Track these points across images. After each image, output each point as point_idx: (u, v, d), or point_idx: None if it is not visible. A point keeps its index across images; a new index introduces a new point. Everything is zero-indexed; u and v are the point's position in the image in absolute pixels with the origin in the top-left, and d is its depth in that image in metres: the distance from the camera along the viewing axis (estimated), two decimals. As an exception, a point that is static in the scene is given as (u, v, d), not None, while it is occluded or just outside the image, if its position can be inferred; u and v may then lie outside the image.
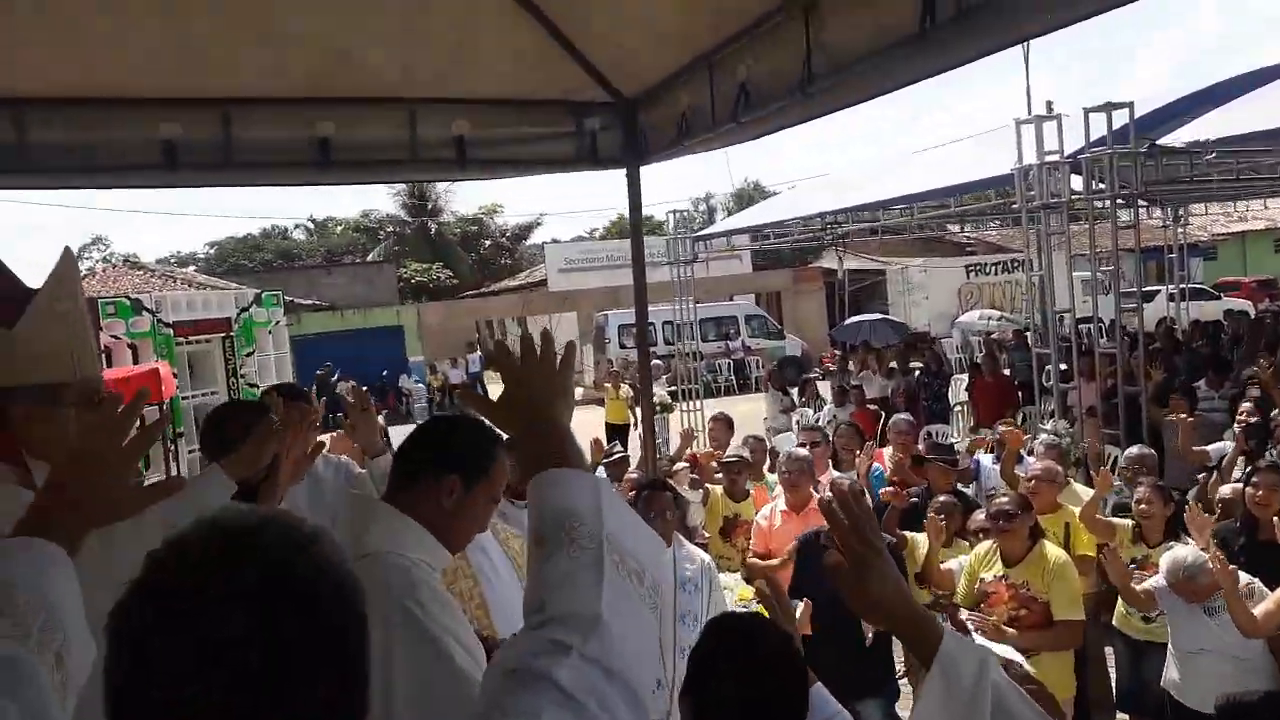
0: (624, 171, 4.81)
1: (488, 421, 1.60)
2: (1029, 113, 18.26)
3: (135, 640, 0.89)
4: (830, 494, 1.39)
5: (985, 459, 7.01)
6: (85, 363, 2.16)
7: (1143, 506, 5.02)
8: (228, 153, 4.15)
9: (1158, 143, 8.82)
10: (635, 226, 5.08)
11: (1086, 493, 6.34)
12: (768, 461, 7.68)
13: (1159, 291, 20.01)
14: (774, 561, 5.33)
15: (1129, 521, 5.17)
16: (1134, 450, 6.04)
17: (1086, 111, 8.38)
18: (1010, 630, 4.40)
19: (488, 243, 51.77)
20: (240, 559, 0.90)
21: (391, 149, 4.42)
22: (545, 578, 1.22)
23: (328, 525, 3.50)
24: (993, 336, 19.59)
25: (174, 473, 10.57)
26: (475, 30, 3.88)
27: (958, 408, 13.07)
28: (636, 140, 4.67)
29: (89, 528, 1.39)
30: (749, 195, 50.05)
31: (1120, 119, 8.32)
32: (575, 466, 1.35)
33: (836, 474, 5.95)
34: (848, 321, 27.72)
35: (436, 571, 1.95)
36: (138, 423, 1.49)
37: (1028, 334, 15.74)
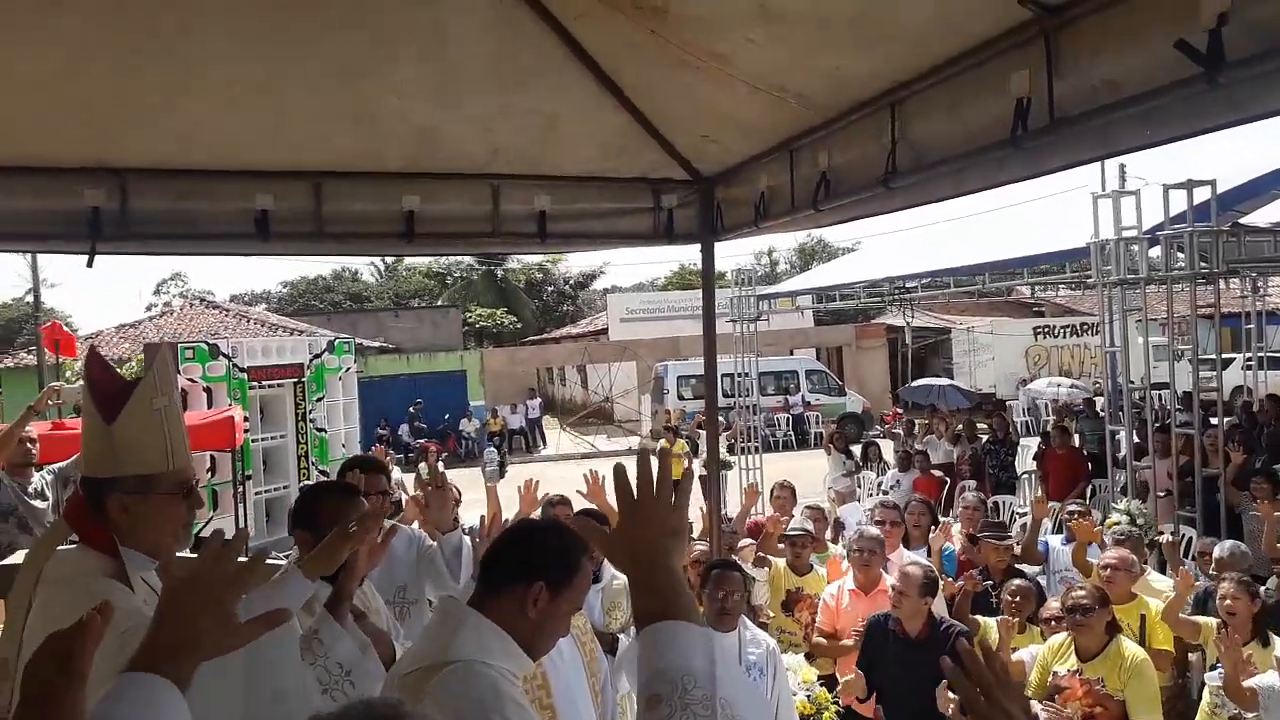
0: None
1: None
2: (1102, 175, 18.11)
3: None
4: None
5: (1054, 540, 6.84)
6: (178, 454, 2.24)
7: (1228, 603, 4.85)
8: (318, 223, 4.29)
9: (1242, 221, 8.65)
10: (708, 301, 5.10)
11: (1161, 580, 6.16)
12: (829, 532, 7.59)
13: (1234, 359, 19.49)
14: (843, 643, 5.25)
15: (1214, 620, 5.00)
16: (1226, 548, 5.85)
17: (1166, 188, 8.24)
18: None
19: (551, 289, 52.36)
20: None
21: (475, 222, 4.52)
22: None
23: (395, 596, 3.55)
24: (1060, 405, 19.16)
25: (241, 513, 10.79)
26: (561, 113, 3.97)
27: (1025, 476, 12.79)
28: (712, 217, 4.72)
29: (199, 661, 1.42)
30: (812, 250, 50.02)
31: (1201, 195, 8.17)
32: (689, 618, 1.36)
33: (909, 554, 5.84)
34: (917, 383, 27.37)
35: (519, 679, 1.97)
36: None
37: (1098, 399, 15.42)
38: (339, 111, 3.84)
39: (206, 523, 8.98)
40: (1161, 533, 7.62)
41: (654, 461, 1.50)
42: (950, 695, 4.03)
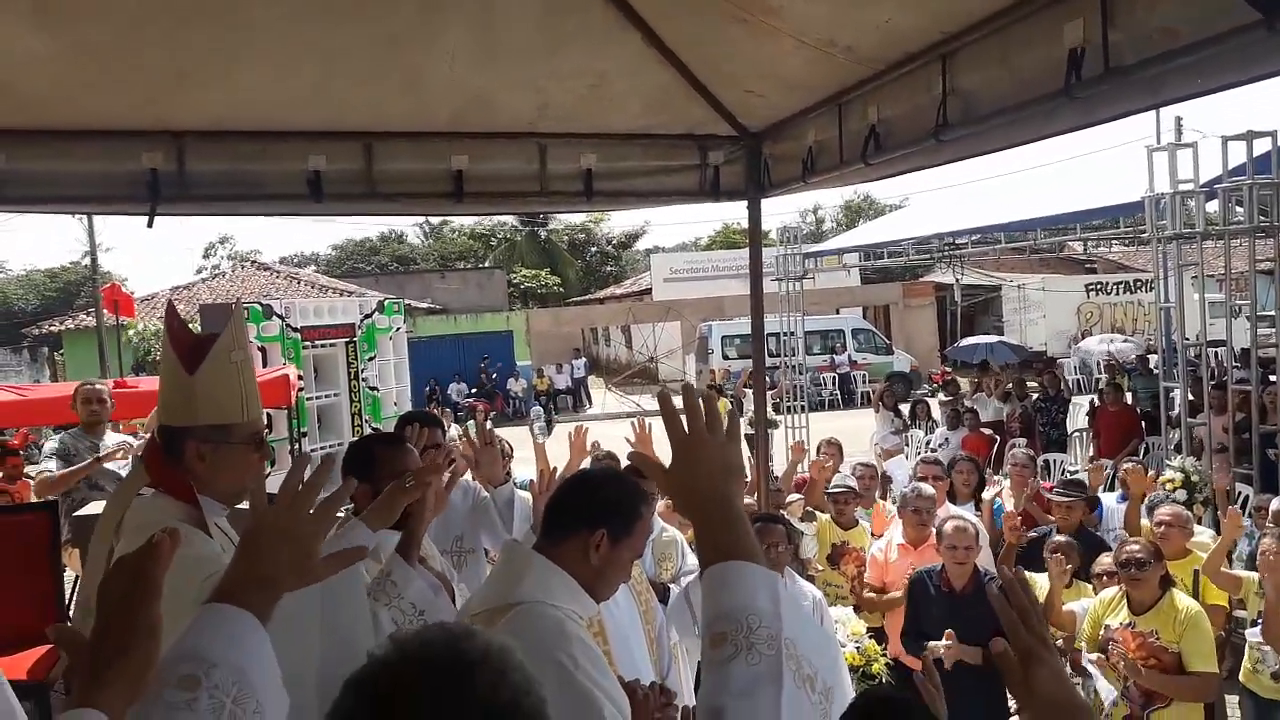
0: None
1: (656, 484, 1.56)
2: (1157, 128, 17.64)
3: None
4: (997, 581, 1.39)
5: (1108, 498, 6.79)
6: (252, 406, 2.33)
7: (1271, 558, 4.79)
8: (369, 183, 4.36)
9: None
10: (755, 259, 5.10)
11: (1215, 537, 6.10)
12: (879, 489, 7.59)
13: (1294, 316, 19.07)
14: (890, 596, 5.30)
15: (1255, 575, 4.95)
16: (1276, 501, 5.76)
17: (1225, 140, 8.03)
18: (1144, 671, 4.27)
19: (594, 250, 52.35)
20: (462, 688, 0.99)
21: (522, 181, 4.57)
22: (726, 683, 1.24)
23: (453, 545, 3.63)
24: (1114, 361, 18.85)
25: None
26: (608, 71, 3.98)
27: (1076, 434, 12.65)
28: (759, 174, 4.71)
29: (280, 594, 1.45)
30: (859, 207, 49.39)
31: (1261, 146, 7.95)
32: (752, 559, 1.36)
33: (954, 508, 5.84)
34: (965, 342, 27.04)
35: (583, 621, 2.04)
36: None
37: (1151, 357, 15.16)
38: (388, 75, 3.89)
39: (266, 478, 9.20)
40: (1214, 491, 7.52)
41: (700, 400, 1.48)
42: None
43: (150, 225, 4.25)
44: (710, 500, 1.43)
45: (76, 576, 4.94)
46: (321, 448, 11.95)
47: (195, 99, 3.90)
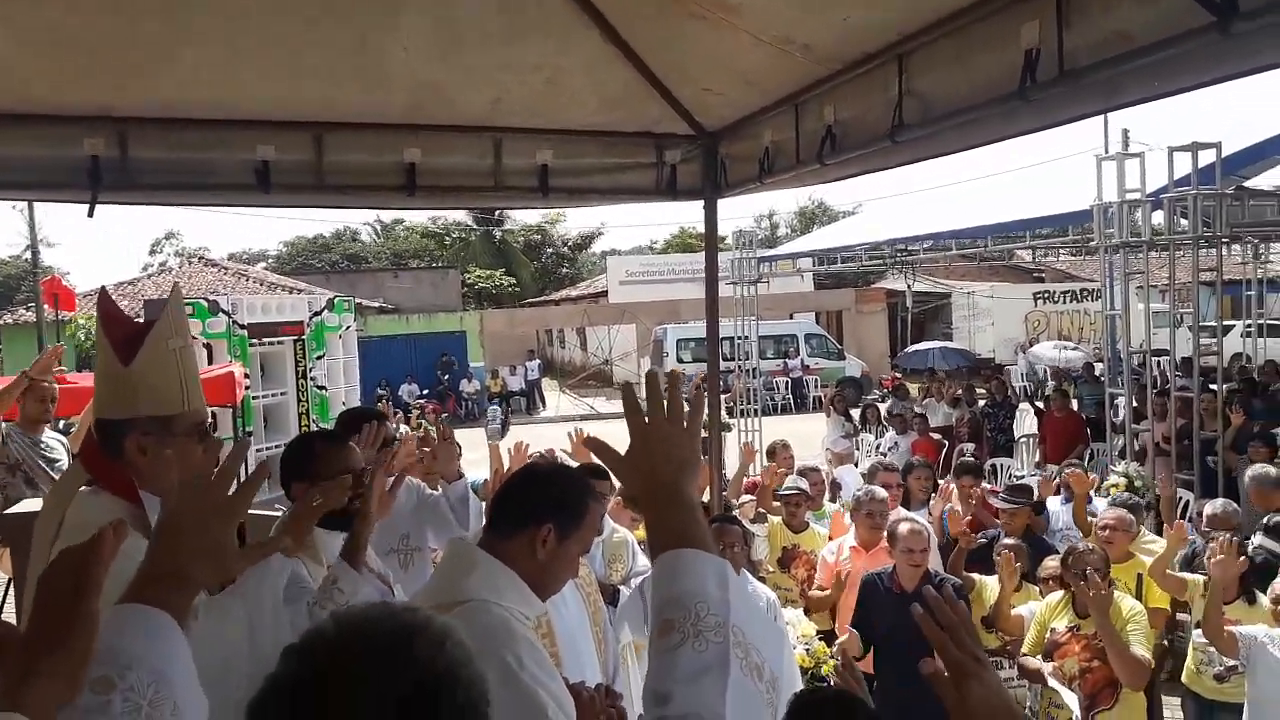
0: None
1: (610, 470, 1.52)
2: (1105, 138, 18.00)
3: None
4: (922, 599, 1.37)
5: (1052, 502, 6.88)
6: (194, 396, 2.25)
7: (1220, 553, 4.87)
8: (319, 175, 4.27)
9: (1246, 184, 8.60)
10: (711, 259, 5.09)
11: (1157, 541, 6.20)
12: (827, 493, 7.63)
13: (1234, 326, 19.49)
14: (828, 592, 5.33)
15: (1201, 577, 5.04)
16: (1218, 505, 5.87)
17: (1172, 150, 8.20)
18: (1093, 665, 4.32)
19: (549, 251, 52.17)
20: (399, 654, 0.96)
21: (476, 176, 4.50)
22: (672, 669, 1.23)
23: (399, 544, 3.57)
24: (1061, 370, 19.19)
25: (244, 470, 10.80)
26: (565, 66, 3.94)
27: (1023, 440, 12.83)
28: (716, 173, 4.70)
29: (197, 590, 1.42)
30: (813, 213, 49.81)
31: (1206, 158, 8.13)
32: (703, 546, 1.35)
33: (905, 512, 5.88)
34: (912, 348, 27.36)
35: (530, 620, 1.99)
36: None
37: (1097, 366, 15.44)
38: (341, 62, 3.81)
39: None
40: (1158, 495, 7.66)
41: (662, 384, 1.47)
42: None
43: (91, 214, 4.12)
44: (664, 488, 1.41)
45: (9, 579, 4.78)
46: (268, 448, 11.74)
47: (140, 84, 3.79)
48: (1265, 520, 5.69)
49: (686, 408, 1.47)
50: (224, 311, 11.09)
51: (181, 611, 1.35)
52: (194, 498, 1.42)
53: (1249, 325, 17.40)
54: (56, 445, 6.28)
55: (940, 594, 1.38)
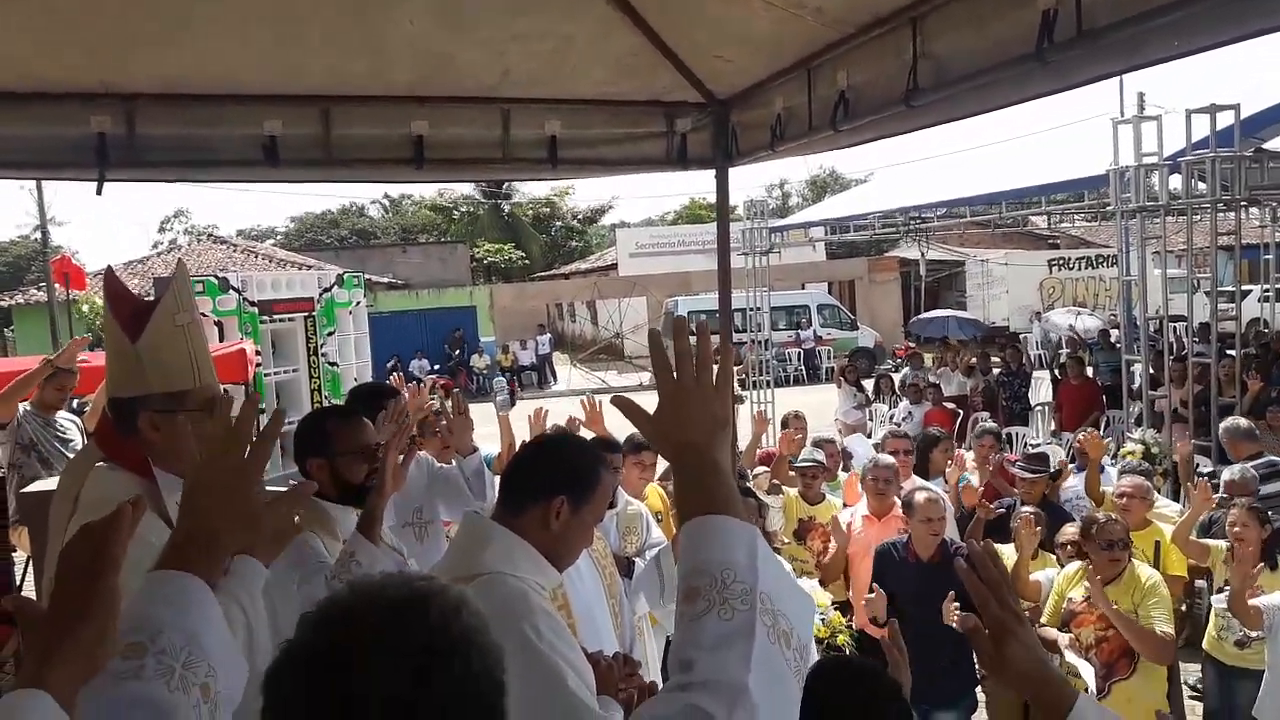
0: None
1: (640, 430, 1.45)
2: (1121, 102, 17.79)
3: (296, 703, 0.94)
4: (965, 554, 1.36)
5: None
6: (204, 371, 2.24)
7: (1237, 529, 4.85)
8: (327, 149, 4.24)
9: (1265, 146, 8.48)
10: (722, 229, 5.04)
11: (1173, 507, 6.17)
12: (841, 463, 7.61)
13: (1252, 291, 19.34)
14: (834, 550, 5.34)
15: (1223, 543, 5.01)
16: (1236, 471, 5.82)
17: (1189, 113, 8.07)
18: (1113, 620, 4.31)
19: (559, 224, 52.01)
20: (411, 617, 0.96)
21: (484, 148, 4.47)
22: (697, 637, 1.20)
23: (413, 518, 3.57)
24: (1076, 336, 19.06)
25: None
26: (573, 35, 3.88)
27: (1039, 408, 12.78)
28: (727, 142, 4.64)
29: (228, 552, 1.43)
30: (824, 182, 49.51)
31: (1224, 120, 8.01)
32: (732, 513, 1.31)
33: (921, 481, 5.86)
34: (926, 316, 27.21)
35: (546, 591, 1.99)
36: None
37: (1113, 332, 15.34)
38: (347, 34, 3.77)
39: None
40: (1175, 461, 7.61)
41: (692, 342, 1.39)
42: (954, 607, 4.06)
43: (99, 192, 4.10)
44: (693, 451, 1.36)
45: (28, 557, 4.81)
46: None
47: (146, 60, 3.76)
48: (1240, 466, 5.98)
49: (715, 365, 1.41)
50: (234, 289, 11.09)
51: (213, 575, 1.37)
52: (215, 462, 1.44)
53: (1267, 290, 17.25)
54: (70, 425, 6.32)
55: (972, 556, 1.37)
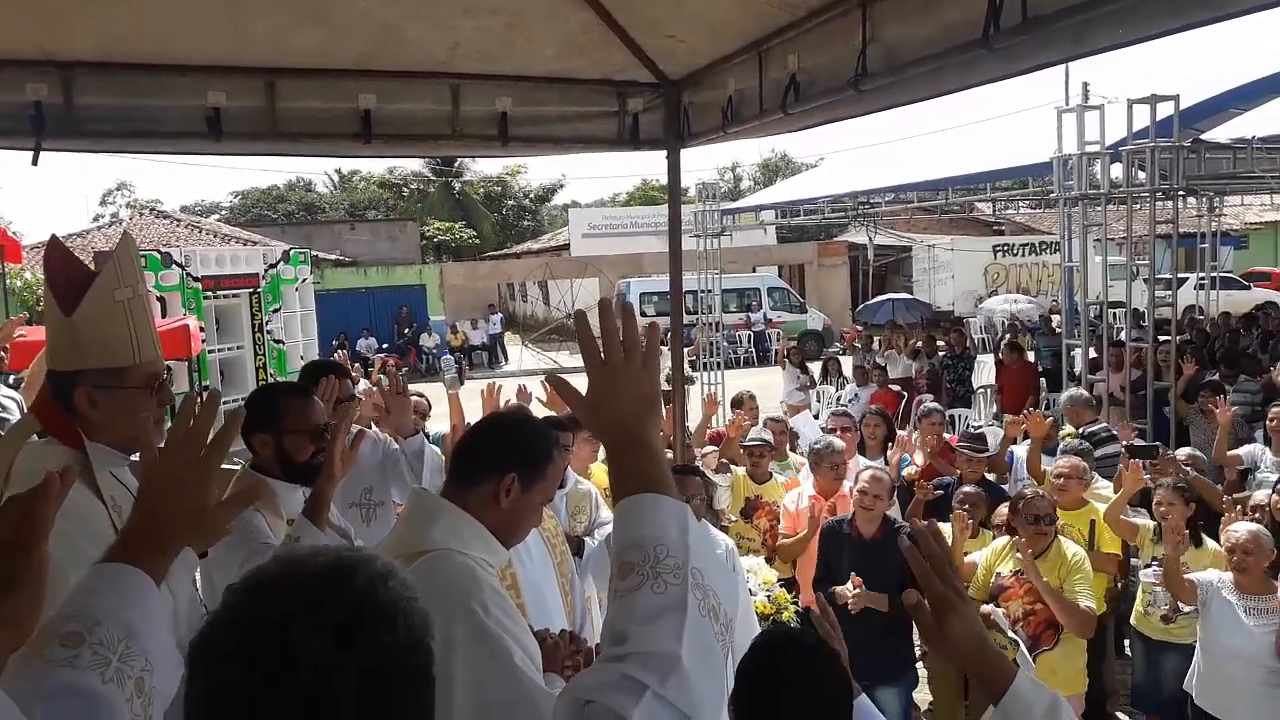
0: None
1: (573, 411, 1.48)
2: (1066, 91, 18.09)
3: (222, 669, 0.93)
4: (907, 530, 1.40)
5: (1019, 450, 6.99)
6: (144, 348, 2.19)
7: (1162, 508, 4.99)
8: (272, 122, 4.17)
9: (1202, 137, 8.68)
10: (674, 210, 5.05)
11: (1109, 487, 6.34)
12: (789, 443, 7.69)
13: (1188, 279, 19.88)
14: (800, 536, 5.39)
15: (1151, 522, 5.16)
16: (1183, 454, 6.03)
17: (1131, 103, 8.24)
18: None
19: (510, 203, 51.60)
20: (338, 583, 0.96)
21: (433, 123, 4.43)
22: (630, 610, 1.23)
23: (361, 498, 3.55)
24: (1016, 321, 19.44)
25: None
26: (525, 10, 3.85)
27: (981, 391, 13.01)
28: (679, 123, 4.64)
29: (178, 550, 1.42)
30: (776, 166, 49.70)
31: (1164, 110, 8.19)
32: (664, 490, 1.34)
33: (865, 461, 5.95)
34: (872, 301, 27.52)
35: (494, 569, 1.99)
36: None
37: (1054, 316, 15.67)
38: (293, 5, 3.70)
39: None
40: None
41: (619, 321, 1.42)
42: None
43: (35, 162, 3.99)
44: (624, 430, 1.39)
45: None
46: (226, 401, 11.54)
47: (84, 26, 3.66)
48: (1080, 431, 6.85)
49: (643, 344, 1.43)
50: (177, 264, 10.87)
51: (158, 571, 1.36)
52: (170, 459, 1.43)
53: (1202, 278, 17.74)
54: (7, 402, 6.14)
55: (915, 533, 1.41)
